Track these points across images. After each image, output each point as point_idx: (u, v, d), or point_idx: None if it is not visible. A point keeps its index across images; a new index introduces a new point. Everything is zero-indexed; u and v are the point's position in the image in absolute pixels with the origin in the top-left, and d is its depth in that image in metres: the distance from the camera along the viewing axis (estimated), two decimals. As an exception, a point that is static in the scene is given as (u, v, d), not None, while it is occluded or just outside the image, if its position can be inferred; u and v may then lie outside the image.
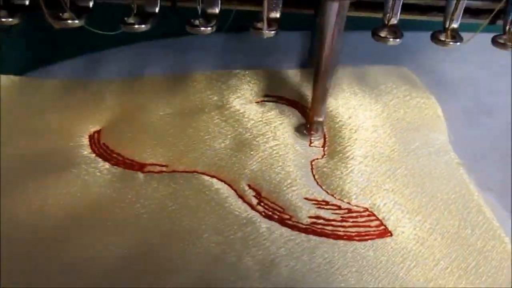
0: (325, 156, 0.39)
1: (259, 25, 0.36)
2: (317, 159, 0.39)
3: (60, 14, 0.34)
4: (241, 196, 0.35)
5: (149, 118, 0.41)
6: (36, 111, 0.42)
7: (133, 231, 0.32)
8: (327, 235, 0.33)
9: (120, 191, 0.34)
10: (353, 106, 0.44)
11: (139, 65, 0.49)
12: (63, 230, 0.32)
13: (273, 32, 0.36)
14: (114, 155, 0.38)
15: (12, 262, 0.30)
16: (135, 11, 0.35)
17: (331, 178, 0.37)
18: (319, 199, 0.35)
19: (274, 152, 0.38)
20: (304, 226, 0.33)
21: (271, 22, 0.36)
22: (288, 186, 0.35)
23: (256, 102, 0.44)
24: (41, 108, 0.42)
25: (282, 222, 0.33)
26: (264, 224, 0.33)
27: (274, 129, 0.40)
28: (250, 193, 0.35)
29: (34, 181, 0.34)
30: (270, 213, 0.34)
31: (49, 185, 0.34)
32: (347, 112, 0.43)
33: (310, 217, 0.34)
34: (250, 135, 0.39)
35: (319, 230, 0.33)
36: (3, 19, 0.36)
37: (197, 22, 0.36)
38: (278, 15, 0.37)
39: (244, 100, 0.44)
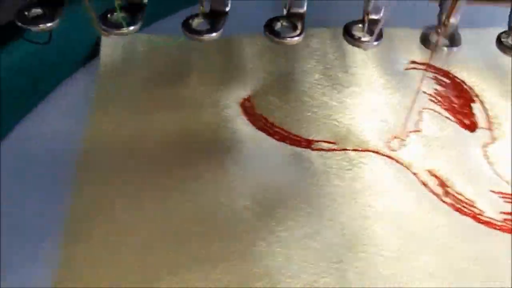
0: (496, 140, 0.36)
1: None
2: (489, 144, 0.36)
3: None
4: (424, 184, 0.32)
5: (300, 85, 0.38)
6: (170, 74, 0.38)
7: (332, 222, 0.29)
8: (523, 234, 0.31)
9: (298, 173, 0.32)
10: (509, 82, 0.41)
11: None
12: (250, 222, 0.29)
13: None
14: (277, 129, 0.35)
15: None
16: None
17: (509, 168, 0.34)
18: (504, 192, 0.33)
19: (445, 133, 0.35)
20: (499, 223, 0.31)
21: None
22: (473, 176, 0.33)
23: (405, 70, 0.40)
24: (173, 73, 0.38)
25: (475, 217, 0.31)
26: (459, 220, 0.31)
27: (434, 105, 0.37)
28: (433, 182, 0.33)
29: (201, 161, 0.32)
30: (460, 206, 0.31)
31: (219, 168, 0.31)
32: (504, 88, 0.40)
33: (502, 212, 0.32)
34: (413, 112, 0.36)
35: (512, 227, 0.31)
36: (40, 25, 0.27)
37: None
38: None
39: (391, 66, 0.40)
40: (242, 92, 0.37)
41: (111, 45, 0.39)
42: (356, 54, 0.39)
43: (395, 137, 0.34)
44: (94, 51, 0.39)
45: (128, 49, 0.39)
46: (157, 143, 0.34)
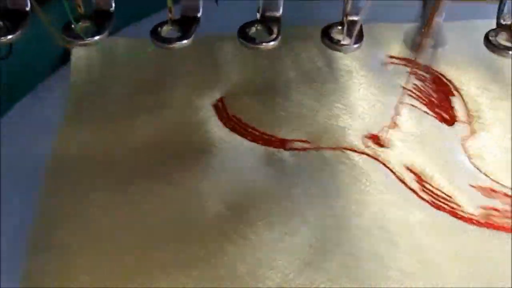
0: (475, 134, 0.36)
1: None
2: (467, 137, 0.35)
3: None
4: (401, 180, 0.32)
5: (274, 84, 0.37)
6: (142, 79, 0.38)
7: (303, 223, 0.28)
8: (502, 228, 0.30)
9: (270, 174, 0.31)
10: (489, 75, 0.40)
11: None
12: (219, 226, 0.28)
13: None
14: (250, 130, 0.34)
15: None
16: None
17: (487, 161, 0.34)
18: (483, 186, 0.32)
19: (423, 128, 0.35)
20: (476, 218, 0.30)
21: None
22: (451, 170, 0.32)
23: (383, 65, 0.39)
24: (147, 75, 0.38)
25: (453, 213, 0.30)
26: (436, 216, 0.30)
27: (413, 100, 0.37)
28: (410, 177, 0.32)
29: (174, 166, 0.31)
30: (437, 202, 0.31)
31: (192, 172, 0.31)
32: (483, 80, 0.39)
33: (481, 207, 0.31)
34: (391, 109, 0.35)
35: (492, 222, 0.30)
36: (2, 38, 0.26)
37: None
38: None
39: (369, 61, 0.39)
40: (215, 93, 0.37)
41: (82, 50, 0.38)
42: (333, 51, 0.39)
43: (371, 137, 0.34)
44: (66, 56, 0.39)
45: (98, 54, 0.39)
46: (129, 148, 0.33)
